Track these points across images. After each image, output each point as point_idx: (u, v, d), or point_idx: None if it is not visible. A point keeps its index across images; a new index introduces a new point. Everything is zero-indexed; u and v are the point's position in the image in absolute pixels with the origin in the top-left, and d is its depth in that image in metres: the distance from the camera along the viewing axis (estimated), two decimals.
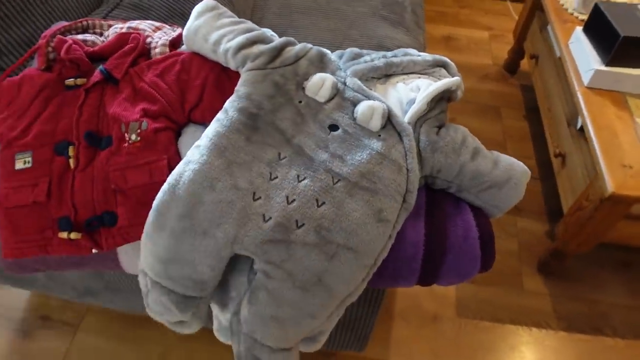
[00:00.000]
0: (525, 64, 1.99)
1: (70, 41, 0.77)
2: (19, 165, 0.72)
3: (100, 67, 0.76)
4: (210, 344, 1.28)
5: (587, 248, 1.27)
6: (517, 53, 1.96)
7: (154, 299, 0.66)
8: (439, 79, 0.79)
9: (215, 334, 0.75)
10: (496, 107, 1.91)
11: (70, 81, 0.75)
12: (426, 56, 0.81)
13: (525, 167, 0.71)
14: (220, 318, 0.72)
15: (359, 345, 1.12)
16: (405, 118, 0.69)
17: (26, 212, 0.71)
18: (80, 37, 0.81)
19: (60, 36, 0.79)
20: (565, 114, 1.42)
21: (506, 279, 1.41)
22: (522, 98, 1.96)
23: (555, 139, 1.46)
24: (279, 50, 0.73)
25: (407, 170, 0.66)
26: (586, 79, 1.23)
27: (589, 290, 1.39)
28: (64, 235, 0.69)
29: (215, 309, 0.72)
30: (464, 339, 1.29)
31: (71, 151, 0.71)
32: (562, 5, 1.51)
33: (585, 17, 1.43)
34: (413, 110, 0.69)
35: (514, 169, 0.70)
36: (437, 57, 0.81)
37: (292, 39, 0.75)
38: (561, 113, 1.45)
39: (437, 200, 0.70)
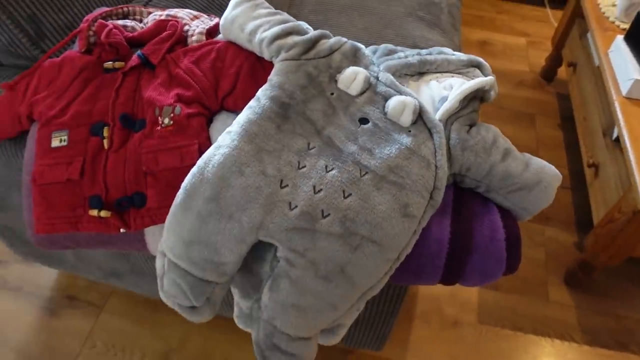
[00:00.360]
0: (562, 71, 1.96)
1: (111, 26, 0.79)
2: (55, 143, 0.74)
3: (138, 52, 0.78)
4: (229, 333, 1.29)
5: (616, 261, 1.24)
6: (555, 60, 1.93)
7: (170, 280, 0.66)
8: (472, 79, 0.78)
9: (235, 320, 0.75)
10: (531, 114, 1.88)
11: (108, 64, 0.77)
12: (461, 55, 0.81)
13: (557, 171, 0.70)
14: (241, 305, 0.73)
15: (377, 344, 1.12)
16: (437, 115, 0.69)
17: (59, 189, 0.73)
18: (120, 22, 0.83)
19: (102, 20, 0.81)
20: (601, 124, 1.39)
21: (531, 288, 1.39)
22: (557, 106, 1.92)
23: (590, 149, 1.43)
24: (314, 42, 0.73)
25: (436, 167, 0.65)
26: (625, 89, 1.20)
27: (616, 305, 1.36)
28: (94, 212, 0.70)
29: (236, 295, 0.72)
30: (484, 346, 1.28)
31: (106, 132, 0.73)
32: (604, 13, 1.47)
33: (626, 25, 1.39)
34: (445, 107, 0.69)
35: (545, 172, 0.69)
36: (472, 57, 0.81)
37: (327, 32, 0.75)
38: (597, 123, 1.42)
39: (464, 199, 0.69)
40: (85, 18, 0.81)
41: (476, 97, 0.74)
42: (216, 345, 1.28)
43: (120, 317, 1.34)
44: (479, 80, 0.71)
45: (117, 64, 0.77)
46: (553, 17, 2.30)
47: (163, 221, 0.69)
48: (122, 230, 0.72)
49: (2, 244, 1.47)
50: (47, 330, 1.32)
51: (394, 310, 0.98)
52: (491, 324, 1.32)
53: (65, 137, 0.73)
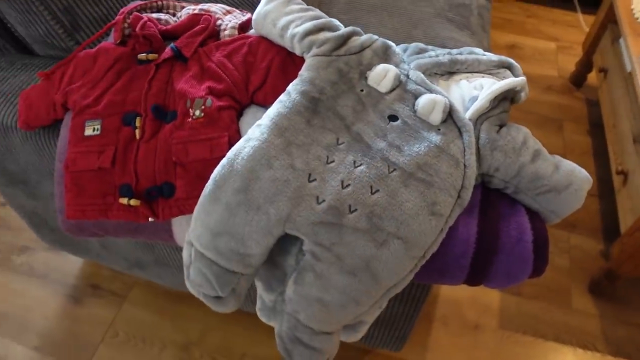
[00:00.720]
0: (592, 77, 1.92)
1: (146, 18, 0.81)
2: (89, 132, 0.75)
3: (172, 44, 0.79)
4: (248, 328, 1.30)
5: None
6: (585, 66, 1.90)
7: (196, 270, 0.67)
8: (502, 79, 0.77)
9: (258, 312, 0.76)
10: (559, 119, 1.86)
11: (142, 56, 0.79)
12: (491, 56, 0.80)
13: (587, 175, 0.69)
14: (264, 297, 0.73)
15: (396, 345, 1.12)
16: (467, 114, 0.69)
17: (91, 176, 0.74)
18: (154, 15, 0.85)
19: (137, 13, 0.82)
20: (632, 131, 1.37)
21: (554, 295, 1.37)
22: (586, 112, 1.89)
23: (619, 156, 1.40)
24: (345, 38, 0.73)
25: (465, 166, 0.65)
26: None
27: None
28: (124, 201, 0.72)
29: (260, 288, 0.73)
30: (504, 351, 1.27)
31: (138, 122, 0.74)
32: (637, 18, 1.45)
33: None
34: (475, 107, 0.68)
35: (576, 175, 0.68)
36: (503, 57, 0.80)
37: (358, 29, 0.75)
38: (627, 129, 1.39)
39: (492, 200, 0.69)
40: (121, 10, 0.83)
41: (507, 98, 0.73)
42: (235, 339, 1.29)
43: (142, 308, 1.36)
44: (510, 81, 0.70)
45: (151, 56, 0.78)
46: (584, 22, 2.26)
47: (191, 212, 0.70)
48: (150, 219, 0.73)
49: (31, 232, 1.50)
50: (71, 317, 1.35)
51: (415, 311, 0.97)
52: (512, 330, 1.30)
53: (98, 126, 0.75)
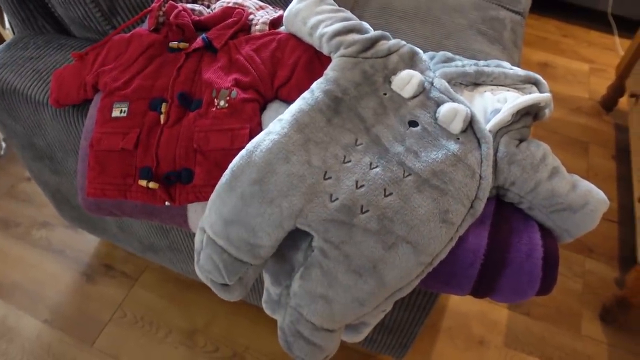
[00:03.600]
0: (623, 102, 1.90)
1: (180, 8, 0.82)
2: (116, 113, 0.77)
3: (203, 35, 0.81)
4: (253, 320, 1.32)
5: None
6: (617, 90, 1.87)
7: (206, 256, 0.68)
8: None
9: (263, 305, 0.77)
10: (585, 142, 1.83)
11: (174, 44, 0.80)
12: (518, 70, 0.80)
13: (604, 196, 0.69)
14: (271, 290, 0.74)
15: (399, 352, 1.11)
16: (487, 126, 0.69)
17: (114, 156, 0.76)
18: (189, 6, 0.86)
19: (172, 2, 0.84)
20: None
21: (563, 319, 1.35)
22: (614, 137, 1.86)
23: None
24: (373, 42, 0.74)
25: (480, 177, 0.65)
26: None
27: None
28: (143, 183, 0.73)
29: (267, 281, 0.74)
30: None
31: (164, 108, 0.76)
32: None
33: None
34: (497, 119, 0.69)
35: (593, 195, 0.67)
36: (530, 73, 0.80)
37: (387, 33, 0.76)
38: None
39: (505, 213, 0.69)
40: None
41: (529, 113, 0.73)
42: (240, 331, 1.30)
43: (152, 291, 1.38)
44: (534, 96, 0.70)
45: (182, 45, 0.80)
46: (620, 46, 2.23)
47: (207, 199, 0.71)
48: (167, 203, 0.74)
49: (52, 208, 1.54)
50: (82, 294, 1.38)
51: (419, 319, 0.97)
52: (517, 349, 1.29)
53: (126, 109, 0.77)
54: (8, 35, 1.88)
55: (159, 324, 1.32)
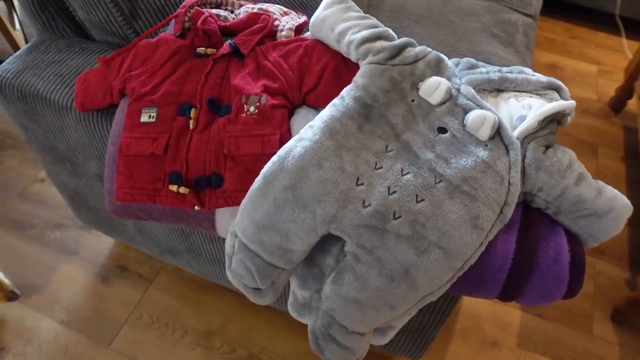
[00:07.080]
0: (632, 104, 1.91)
1: (207, 14, 0.83)
2: (144, 118, 0.78)
3: (230, 41, 0.81)
4: (268, 322, 1.33)
5: None
6: (626, 92, 1.88)
7: (239, 261, 0.69)
8: (550, 101, 0.78)
9: (289, 307, 0.78)
10: (593, 144, 1.84)
11: (201, 50, 0.81)
12: (540, 77, 0.81)
13: (629, 202, 0.70)
14: (298, 294, 0.75)
15: (415, 353, 1.13)
16: (515, 133, 0.70)
17: (143, 161, 0.77)
18: (214, 11, 0.87)
19: (198, 8, 0.85)
20: None
21: (575, 320, 1.37)
22: (622, 139, 1.87)
23: None
24: (400, 49, 0.75)
25: (509, 183, 0.66)
26: None
27: None
28: (173, 188, 0.74)
29: (293, 284, 0.75)
30: None
31: (193, 113, 0.77)
32: None
33: None
34: (524, 126, 0.70)
35: (618, 201, 0.69)
36: (552, 80, 0.81)
37: (413, 40, 0.77)
38: None
39: (532, 218, 0.70)
40: (183, 4, 0.86)
41: (554, 120, 0.74)
42: (256, 332, 1.31)
43: (167, 293, 1.39)
44: (561, 103, 0.71)
45: (209, 51, 0.81)
46: (628, 48, 2.24)
47: (237, 203, 0.72)
48: (196, 207, 0.75)
49: (66, 210, 1.55)
50: (98, 296, 1.38)
51: (439, 322, 0.98)
52: (530, 350, 1.30)
53: (154, 114, 0.78)
54: (19, 36, 1.89)
55: (175, 325, 1.33)
